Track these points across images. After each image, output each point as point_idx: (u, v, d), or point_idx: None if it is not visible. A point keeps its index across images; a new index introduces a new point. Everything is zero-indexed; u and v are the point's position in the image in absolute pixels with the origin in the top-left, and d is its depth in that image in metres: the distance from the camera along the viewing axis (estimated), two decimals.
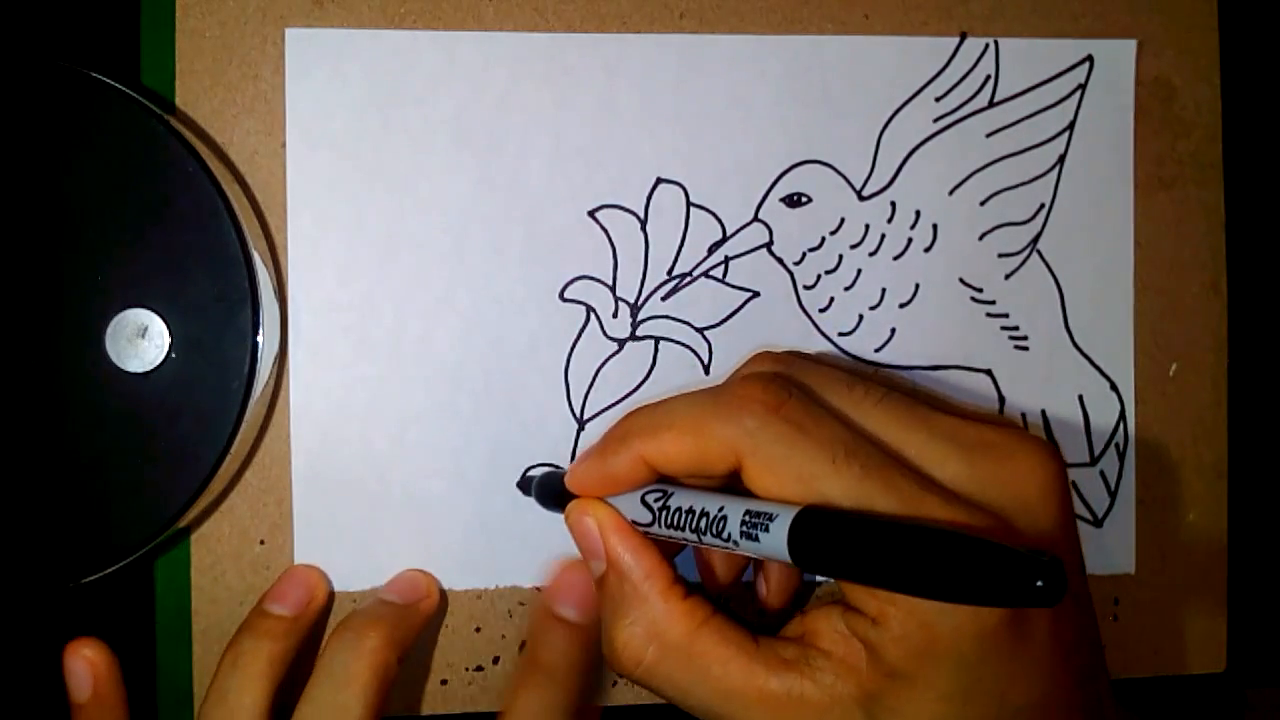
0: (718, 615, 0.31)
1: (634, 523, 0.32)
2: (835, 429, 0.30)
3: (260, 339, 0.33)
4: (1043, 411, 0.39)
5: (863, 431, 0.30)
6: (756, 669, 0.30)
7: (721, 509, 0.30)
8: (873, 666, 0.29)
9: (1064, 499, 0.30)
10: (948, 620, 0.28)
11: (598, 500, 0.33)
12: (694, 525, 0.30)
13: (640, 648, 0.31)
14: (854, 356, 0.38)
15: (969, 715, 0.28)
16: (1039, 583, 0.23)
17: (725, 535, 0.29)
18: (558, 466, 0.37)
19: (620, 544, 0.32)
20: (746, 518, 0.29)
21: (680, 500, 0.31)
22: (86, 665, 0.34)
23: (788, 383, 0.31)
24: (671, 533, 0.31)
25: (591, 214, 0.37)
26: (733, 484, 0.31)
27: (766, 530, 0.28)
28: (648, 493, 0.32)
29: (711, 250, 0.38)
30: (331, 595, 0.36)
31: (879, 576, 0.26)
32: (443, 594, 0.37)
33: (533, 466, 0.37)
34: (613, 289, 0.37)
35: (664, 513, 0.31)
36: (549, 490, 0.36)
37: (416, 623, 0.35)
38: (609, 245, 0.37)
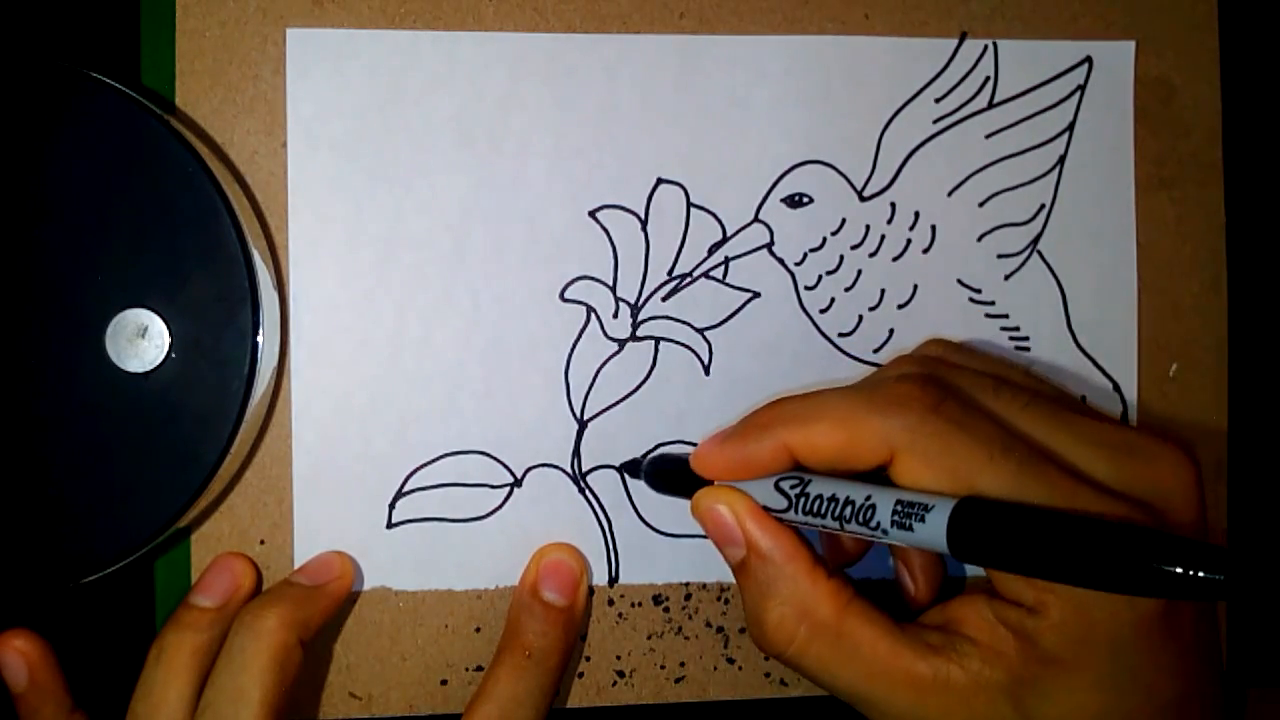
0: (860, 597, 0.32)
1: (765, 508, 0.32)
2: (990, 428, 0.30)
3: (260, 339, 0.33)
4: None
5: (1014, 431, 0.31)
6: (903, 651, 0.31)
7: (869, 498, 0.30)
8: (1025, 653, 0.30)
9: (1202, 499, 0.31)
10: (1106, 608, 0.28)
11: (728, 488, 0.33)
12: (836, 513, 0.30)
13: (792, 628, 0.31)
14: (853, 357, 0.38)
15: (1119, 707, 0.29)
16: (1219, 577, 0.24)
17: (874, 524, 0.30)
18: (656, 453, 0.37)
19: (759, 529, 0.32)
20: (899, 507, 0.29)
21: (819, 488, 0.31)
22: (19, 656, 0.34)
23: (942, 383, 0.32)
24: (808, 519, 0.31)
25: (592, 214, 0.37)
26: (865, 479, 0.31)
27: (922, 520, 0.29)
28: (782, 479, 0.32)
29: (712, 251, 0.38)
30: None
31: (1050, 568, 0.27)
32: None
33: (645, 453, 0.37)
34: (613, 289, 0.37)
35: (802, 500, 0.31)
36: (667, 474, 0.36)
37: (324, 604, 0.35)
38: (609, 245, 0.37)
